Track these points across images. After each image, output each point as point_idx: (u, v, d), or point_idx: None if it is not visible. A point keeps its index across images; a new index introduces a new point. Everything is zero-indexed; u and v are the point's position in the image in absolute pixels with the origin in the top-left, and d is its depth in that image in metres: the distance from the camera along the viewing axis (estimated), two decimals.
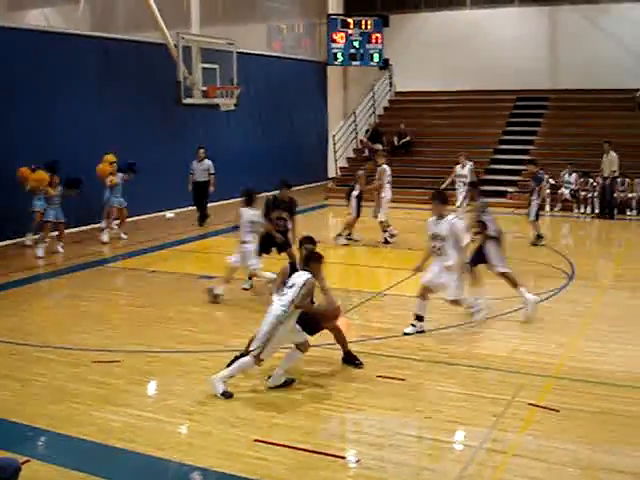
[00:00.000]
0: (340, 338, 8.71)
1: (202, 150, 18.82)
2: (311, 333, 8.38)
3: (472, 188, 13.38)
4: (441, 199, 9.90)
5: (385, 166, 16.65)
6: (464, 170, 18.10)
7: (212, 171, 18.83)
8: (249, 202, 11.87)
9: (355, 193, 16.32)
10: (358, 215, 16.27)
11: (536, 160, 18.83)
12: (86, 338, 9.77)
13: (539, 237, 16.35)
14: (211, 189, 18.98)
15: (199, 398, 7.69)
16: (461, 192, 17.97)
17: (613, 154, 20.59)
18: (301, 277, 7.95)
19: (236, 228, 12.01)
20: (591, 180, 21.25)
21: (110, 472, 6.29)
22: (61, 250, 15.51)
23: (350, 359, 8.72)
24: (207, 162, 18.80)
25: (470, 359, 8.84)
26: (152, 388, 8.36)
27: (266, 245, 12.32)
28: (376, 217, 16.40)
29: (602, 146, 20.75)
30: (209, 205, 19.45)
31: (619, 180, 21.00)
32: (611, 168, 20.64)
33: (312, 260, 8.18)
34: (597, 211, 21.00)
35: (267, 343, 7.79)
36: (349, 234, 16.31)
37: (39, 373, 8.48)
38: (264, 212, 12.29)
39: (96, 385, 8.08)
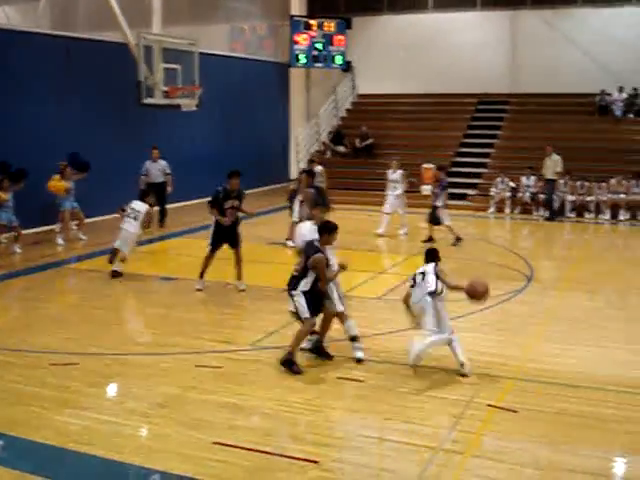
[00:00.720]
0: (327, 327, 8.93)
1: (156, 150, 18.57)
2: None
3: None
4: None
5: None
6: (395, 175, 18.09)
7: (168, 171, 18.66)
8: None
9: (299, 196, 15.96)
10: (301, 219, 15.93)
11: (445, 166, 19.25)
12: (44, 340, 9.65)
13: (458, 239, 16.57)
14: (169, 189, 18.84)
15: (158, 400, 7.63)
16: (390, 196, 17.99)
17: (556, 156, 20.87)
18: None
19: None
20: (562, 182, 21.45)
21: (68, 476, 6.23)
22: (18, 251, 15.31)
23: (322, 351, 8.91)
24: (162, 162, 18.56)
25: (430, 360, 8.88)
26: (111, 391, 8.27)
27: (218, 240, 12.34)
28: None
29: (544, 148, 21.07)
30: (168, 206, 19.31)
31: (562, 182, 21.32)
32: (555, 169, 20.91)
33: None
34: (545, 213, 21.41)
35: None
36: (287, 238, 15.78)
37: None
38: (215, 203, 12.31)
39: (54, 388, 7.98)
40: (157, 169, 18.55)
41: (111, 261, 13.43)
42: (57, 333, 10.03)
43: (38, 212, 16.88)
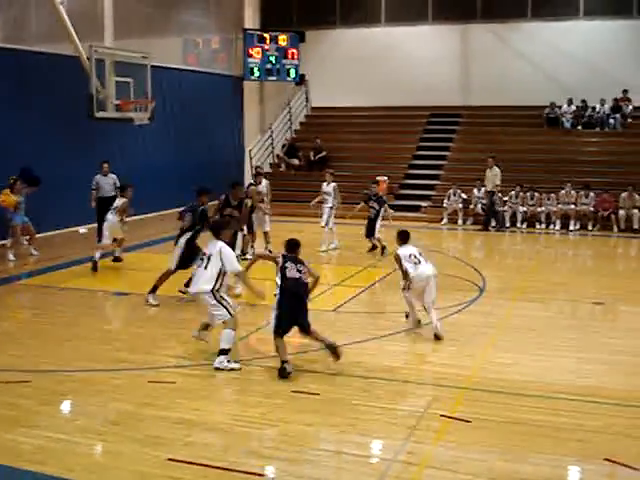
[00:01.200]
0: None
1: (106, 164, 18.09)
2: None
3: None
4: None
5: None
6: (328, 188, 18.04)
7: (118, 185, 18.44)
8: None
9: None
10: (250, 231, 15.93)
11: (380, 181, 19.69)
12: None
13: (384, 248, 16.68)
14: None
15: (111, 417, 7.57)
16: (325, 209, 17.99)
17: (496, 169, 21.25)
18: None
19: None
20: (500, 195, 21.76)
21: None
22: None
23: None
24: (112, 176, 18.14)
25: (383, 372, 8.95)
26: (63, 408, 8.15)
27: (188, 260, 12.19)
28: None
29: (487, 160, 21.51)
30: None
31: (512, 193, 21.72)
32: (494, 182, 21.26)
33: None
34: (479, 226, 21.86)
35: None
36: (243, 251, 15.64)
37: None
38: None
39: (5, 406, 7.85)
40: (107, 183, 18.24)
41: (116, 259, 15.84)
42: (8, 350, 9.89)
43: None
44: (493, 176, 21.24)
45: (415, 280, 10.34)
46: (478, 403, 7.99)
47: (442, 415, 7.62)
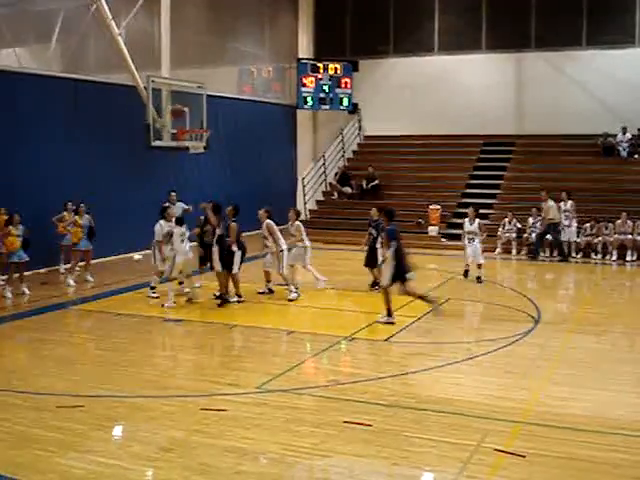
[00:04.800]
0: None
1: (174, 193, 18.41)
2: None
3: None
4: None
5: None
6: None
7: (182, 215, 18.53)
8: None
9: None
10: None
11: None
12: (50, 382, 9.63)
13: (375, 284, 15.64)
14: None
15: (163, 444, 7.58)
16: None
17: (551, 202, 21.20)
18: None
19: None
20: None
21: None
22: (27, 292, 15.35)
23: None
24: (180, 205, 18.47)
25: (437, 404, 8.83)
26: (116, 434, 8.22)
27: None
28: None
29: (542, 193, 21.34)
30: None
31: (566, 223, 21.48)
32: (554, 214, 21.10)
33: None
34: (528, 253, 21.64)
35: None
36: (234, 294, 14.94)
37: (2, 418, 8.31)
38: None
39: (59, 431, 7.94)
40: (176, 212, 18.45)
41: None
42: (63, 374, 10.02)
43: (45, 252, 16.93)
44: (549, 208, 21.03)
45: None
46: (533, 437, 7.82)
47: (496, 449, 7.47)
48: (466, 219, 17.39)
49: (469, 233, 17.05)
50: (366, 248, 16.02)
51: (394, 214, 13.37)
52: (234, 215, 14.65)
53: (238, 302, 14.57)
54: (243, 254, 14.65)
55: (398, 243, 12.57)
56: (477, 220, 17.19)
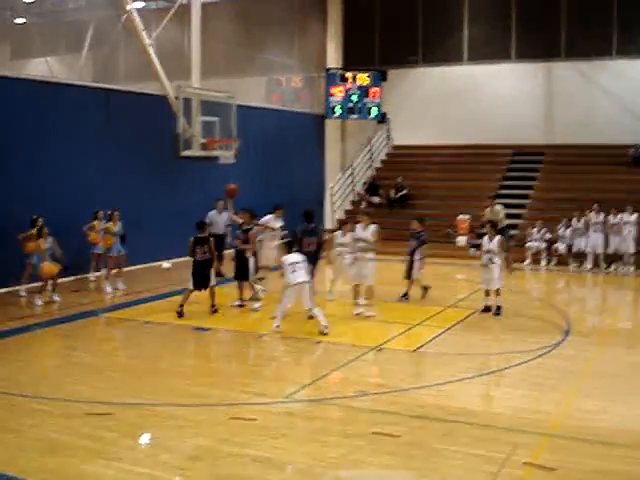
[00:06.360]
0: None
1: (221, 202, 18.35)
2: None
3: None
4: None
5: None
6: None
7: (229, 223, 18.45)
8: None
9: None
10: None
11: (424, 218, 17.05)
12: (79, 390, 9.69)
13: (425, 289, 16.06)
14: (228, 240, 18.54)
15: (192, 453, 7.60)
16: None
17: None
18: None
19: None
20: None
21: None
22: (57, 299, 15.49)
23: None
24: (225, 214, 18.36)
25: (465, 415, 8.76)
26: (144, 442, 8.25)
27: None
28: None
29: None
30: None
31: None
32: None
33: None
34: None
35: None
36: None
37: (32, 425, 8.38)
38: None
39: (88, 438, 7.98)
40: (222, 220, 18.50)
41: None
42: (92, 382, 10.09)
43: (76, 260, 17.08)
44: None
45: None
46: (564, 451, 7.73)
47: (525, 462, 7.40)
48: (485, 237, 15.31)
49: (488, 252, 14.79)
50: (407, 259, 15.96)
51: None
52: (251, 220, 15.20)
53: (239, 306, 15.09)
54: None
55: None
56: (497, 237, 14.93)
